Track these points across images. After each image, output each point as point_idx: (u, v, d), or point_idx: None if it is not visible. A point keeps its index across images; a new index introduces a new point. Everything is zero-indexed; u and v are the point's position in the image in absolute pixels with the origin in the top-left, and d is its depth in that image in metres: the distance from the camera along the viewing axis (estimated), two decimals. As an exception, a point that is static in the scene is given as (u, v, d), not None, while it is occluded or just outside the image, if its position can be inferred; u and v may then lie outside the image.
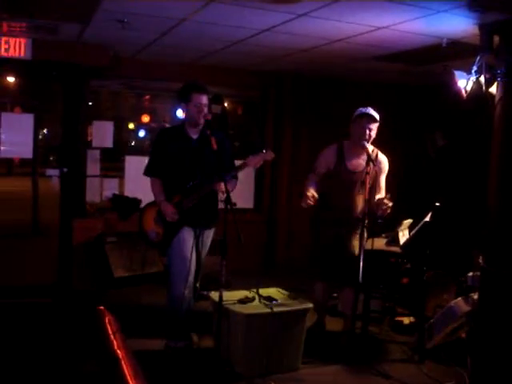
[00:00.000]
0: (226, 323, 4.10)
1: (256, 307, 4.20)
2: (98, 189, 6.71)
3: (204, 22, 4.76)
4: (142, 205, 6.56)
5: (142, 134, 10.43)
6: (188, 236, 4.42)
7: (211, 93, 4.54)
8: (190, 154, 4.42)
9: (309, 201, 4.56)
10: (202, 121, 4.38)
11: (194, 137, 4.47)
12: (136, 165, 6.97)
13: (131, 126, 10.50)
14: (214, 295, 4.36)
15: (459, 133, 6.93)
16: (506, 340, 3.98)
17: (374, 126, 4.67)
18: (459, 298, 4.62)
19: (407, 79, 7.05)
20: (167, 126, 8.78)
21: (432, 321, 4.76)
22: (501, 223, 4.08)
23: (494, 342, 4.05)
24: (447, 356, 4.55)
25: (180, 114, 9.26)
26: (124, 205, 6.69)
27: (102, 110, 8.31)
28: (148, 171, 4.57)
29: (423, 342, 4.63)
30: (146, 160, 6.66)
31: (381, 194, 4.72)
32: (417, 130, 7.41)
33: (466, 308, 4.49)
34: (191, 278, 4.40)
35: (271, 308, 4.14)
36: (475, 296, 4.47)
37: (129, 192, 6.88)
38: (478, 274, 4.43)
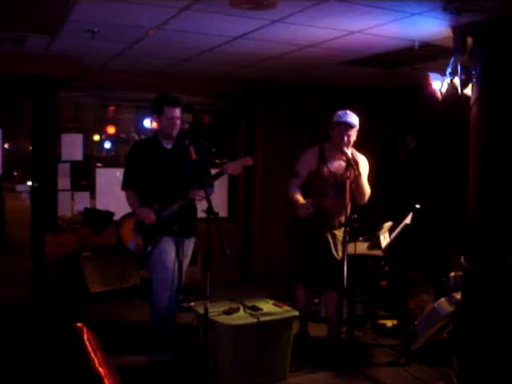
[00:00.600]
0: (212, 335, 4.03)
1: (242, 318, 4.14)
2: (69, 203, 6.55)
3: (176, 30, 4.68)
4: (117, 217, 6.50)
5: (107, 145, 10.23)
6: (169, 246, 4.37)
7: (182, 101, 4.51)
8: (165, 164, 4.40)
9: (307, 210, 4.56)
10: (174, 133, 4.39)
11: (168, 147, 4.45)
12: (107, 177, 6.89)
13: (96, 137, 10.29)
14: (199, 307, 4.29)
15: (430, 135, 7.00)
16: (490, 338, 4.01)
17: (353, 132, 4.69)
18: (442, 299, 4.66)
19: (379, 82, 7.08)
20: (136, 137, 8.68)
21: (416, 322, 4.78)
22: (482, 223, 4.11)
23: (478, 340, 4.06)
24: (433, 357, 4.57)
25: (148, 124, 9.16)
26: (96, 218, 6.56)
27: (65, 122, 8.07)
28: (126, 185, 4.51)
29: (409, 344, 4.65)
30: (117, 172, 6.58)
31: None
32: (392, 133, 7.47)
33: (449, 308, 4.52)
34: (174, 289, 4.32)
35: (258, 318, 4.09)
36: (458, 296, 4.51)
37: (101, 205, 6.76)
38: (460, 274, 4.47)
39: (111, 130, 9.49)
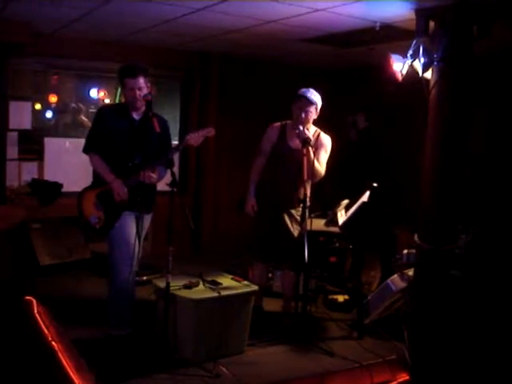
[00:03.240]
0: (172, 309, 4.03)
1: (203, 292, 4.15)
2: (17, 173, 6.36)
3: (138, -1, 4.58)
4: (66, 189, 6.36)
5: (49, 114, 9.87)
6: (130, 220, 4.32)
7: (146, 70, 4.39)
8: (133, 134, 4.29)
9: (250, 212, 4.88)
10: (138, 104, 4.29)
11: (137, 117, 4.35)
12: (57, 147, 6.73)
13: (38, 106, 9.90)
14: (158, 281, 4.28)
15: (382, 115, 7.13)
16: (441, 313, 4.18)
17: (311, 109, 4.72)
18: (395, 275, 4.79)
19: (334, 61, 7.15)
20: (82, 107, 8.45)
21: (369, 297, 4.92)
22: (435, 204, 4.23)
23: (429, 315, 4.22)
24: (384, 331, 4.72)
25: (94, 94, 8.89)
26: (44, 189, 6.40)
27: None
28: (88, 148, 4.38)
29: (362, 318, 4.78)
30: (66, 142, 6.39)
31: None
32: (344, 112, 7.56)
33: (401, 284, 4.67)
34: (134, 264, 4.29)
35: (218, 292, 4.11)
36: (410, 272, 4.66)
37: (49, 176, 6.59)
38: (413, 251, 4.61)
39: (53, 98, 9.20)
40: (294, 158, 4.71)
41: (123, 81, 4.26)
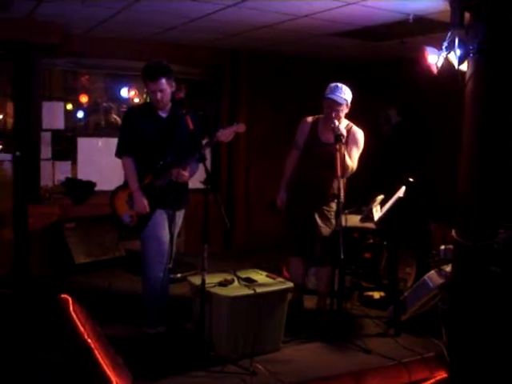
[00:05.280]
0: (207, 307, 4.02)
1: (238, 289, 4.13)
2: (51, 173, 6.44)
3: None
4: (99, 187, 6.44)
5: (80, 114, 9.99)
6: (162, 218, 4.33)
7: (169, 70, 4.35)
8: (160, 132, 4.29)
9: (280, 207, 4.96)
10: (159, 106, 4.26)
11: (164, 115, 4.33)
12: (89, 147, 6.79)
13: (69, 106, 10.02)
14: (194, 279, 4.27)
15: (414, 109, 7.04)
16: (481, 310, 4.10)
17: (341, 108, 4.64)
18: (432, 271, 4.74)
19: (365, 56, 7.08)
20: (112, 106, 8.51)
21: (405, 294, 4.86)
22: (474, 198, 4.15)
23: (468, 311, 4.14)
24: (421, 328, 4.65)
25: (125, 93, 8.94)
26: (78, 189, 6.47)
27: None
28: (121, 151, 4.36)
29: (398, 315, 4.71)
30: (98, 141, 6.43)
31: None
32: (377, 107, 7.48)
33: (439, 280, 4.61)
34: (167, 261, 4.30)
35: (254, 289, 4.08)
36: (447, 268, 4.58)
37: (82, 175, 6.66)
38: (450, 247, 4.54)
39: (84, 98, 9.28)
40: (325, 153, 4.66)
41: (145, 83, 4.21)
